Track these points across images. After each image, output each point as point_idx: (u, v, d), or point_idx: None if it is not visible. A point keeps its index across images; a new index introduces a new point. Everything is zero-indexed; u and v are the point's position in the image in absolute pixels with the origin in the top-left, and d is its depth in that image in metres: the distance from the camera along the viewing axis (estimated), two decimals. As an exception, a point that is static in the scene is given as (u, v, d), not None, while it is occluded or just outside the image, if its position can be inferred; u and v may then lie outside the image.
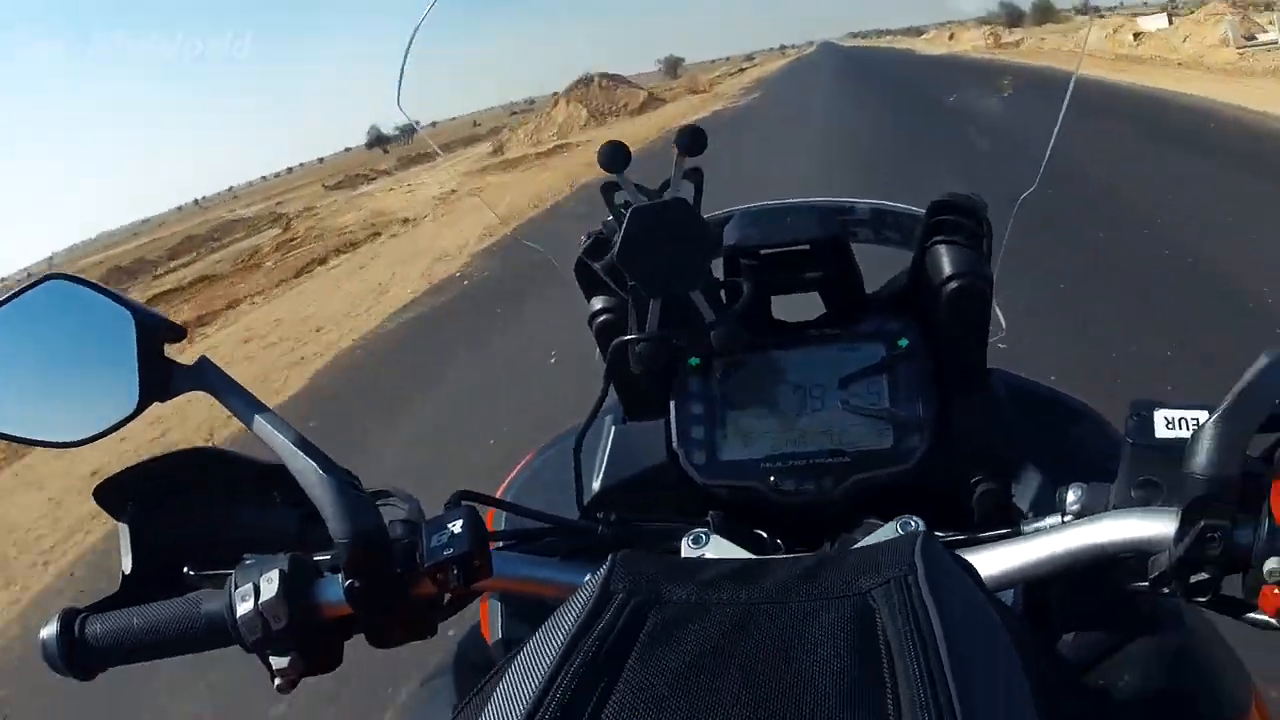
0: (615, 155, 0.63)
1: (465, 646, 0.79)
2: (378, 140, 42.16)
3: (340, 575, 0.56)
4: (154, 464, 0.65)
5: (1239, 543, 0.49)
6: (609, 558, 0.45)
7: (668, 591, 0.42)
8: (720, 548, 0.61)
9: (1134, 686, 0.64)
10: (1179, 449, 0.51)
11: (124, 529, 0.64)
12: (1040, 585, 0.68)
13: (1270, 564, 0.47)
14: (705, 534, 0.62)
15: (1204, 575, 0.50)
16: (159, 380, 0.60)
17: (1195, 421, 0.53)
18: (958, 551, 0.56)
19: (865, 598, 0.40)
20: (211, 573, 0.61)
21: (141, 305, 0.61)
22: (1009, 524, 0.62)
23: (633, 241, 0.64)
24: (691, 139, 0.63)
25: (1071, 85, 0.82)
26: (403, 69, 0.84)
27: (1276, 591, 0.47)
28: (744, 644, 0.38)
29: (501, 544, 0.67)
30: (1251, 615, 0.50)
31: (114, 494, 0.64)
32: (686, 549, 0.61)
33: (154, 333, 0.60)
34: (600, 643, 0.38)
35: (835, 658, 0.37)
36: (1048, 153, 0.81)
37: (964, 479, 0.72)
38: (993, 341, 0.75)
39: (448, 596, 0.60)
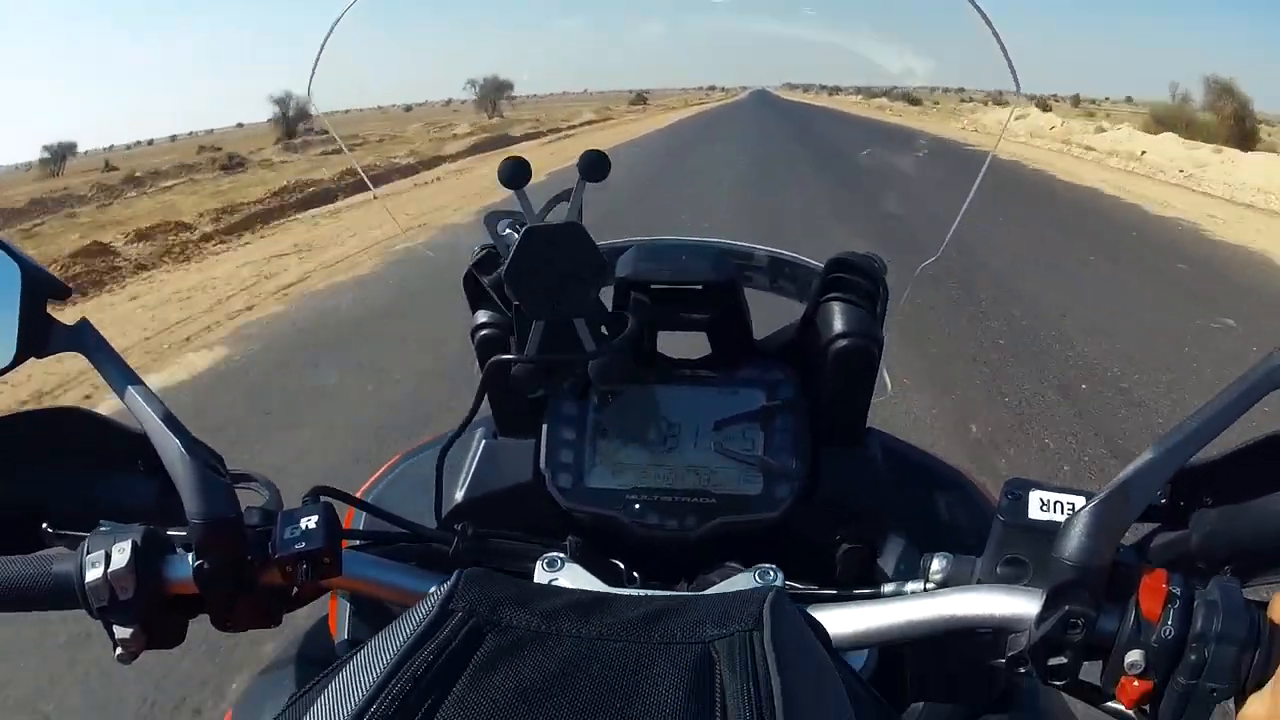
0: (516, 171, 0.61)
1: (310, 639, 0.79)
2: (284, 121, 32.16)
3: (191, 555, 0.56)
4: (21, 418, 0.65)
5: (1102, 631, 0.50)
6: (455, 574, 0.45)
7: (509, 616, 0.42)
8: (574, 574, 0.61)
9: None
10: (1050, 531, 0.52)
11: None
12: (896, 649, 0.69)
13: (1132, 656, 0.48)
14: (561, 559, 0.62)
15: (1062, 659, 0.51)
16: (38, 336, 0.59)
17: (1071, 506, 0.54)
18: (814, 606, 0.58)
19: (708, 648, 0.40)
20: (68, 533, 0.61)
21: (31, 259, 0.60)
22: (871, 584, 0.63)
23: (522, 261, 0.62)
24: (593, 164, 0.62)
25: (986, 164, 0.84)
26: (318, 58, 0.81)
27: (1135, 684, 0.48)
28: (579, 680, 0.38)
29: (357, 544, 0.67)
30: (1109, 704, 0.51)
31: None
32: (540, 571, 0.62)
33: (39, 287, 0.59)
34: (432, 659, 0.38)
35: (669, 705, 0.37)
36: (954, 225, 0.83)
37: (831, 534, 0.72)
38: (876, 401, 0.76)
39: (296, 589, 0.60)
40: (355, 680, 0.37)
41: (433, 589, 0.45)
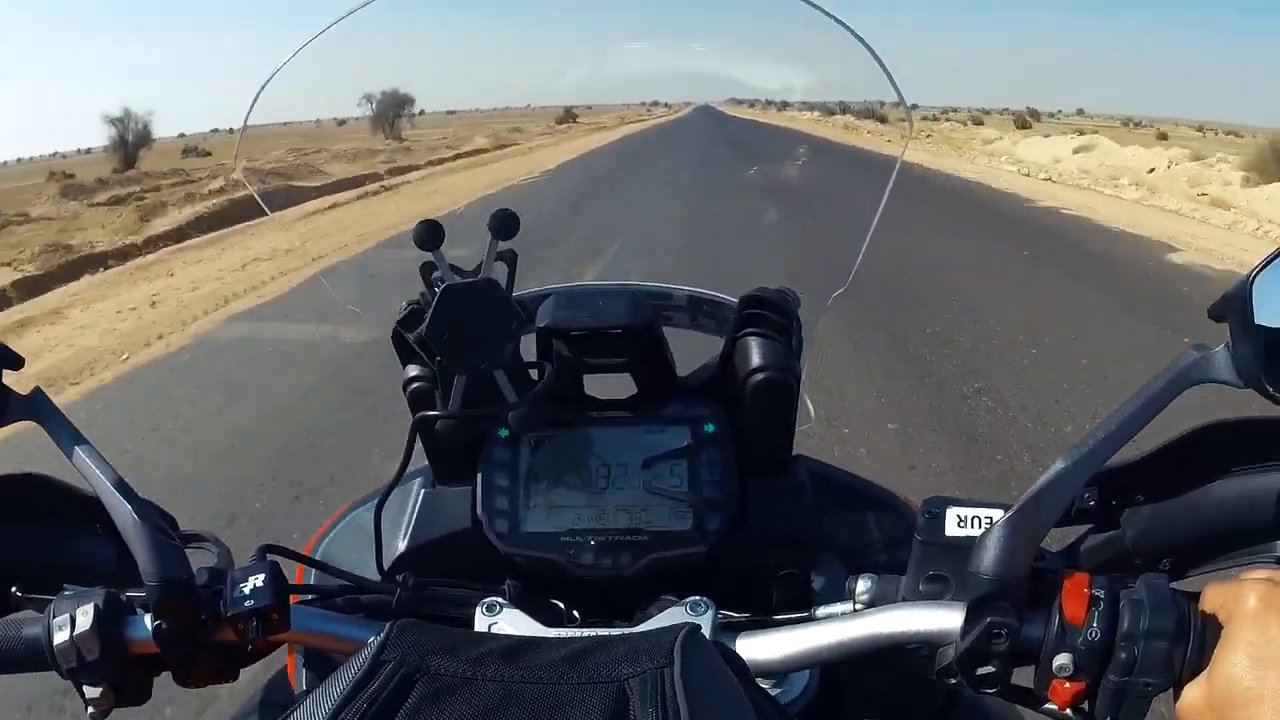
0: (430, 233, 0.63)
1: (271, 690, 0.81)
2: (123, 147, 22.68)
3: (149, 616, 0.59)
4: None
5: (1029, 638, 0.51)
6: (387, 626, 0.47)
7: (437, 664, 0.44)
8: (513, 618, 0.64)
9: None
10: (967, 547, 0.54)
11: None
12: (836, 670, 0.71)
13: (1059, 659, 0.50)
14: (500, 604, 0.65)
15: (990, 668, 0.52)
16: None
17: (987, 520, 0.55)
18: (747, 635, 0.60)
19: (623, 685, 0.42)
20: (37, 596, 0.64)
21: None
22: (805, 609, 0.65)
23: (441, 319, 0.65)
24: (503, 222, 0.64)
25: (892, 180, 0.84)
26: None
27: (1066, 685, 0.49)
28: None
29: (307, 598, 0.69)
30: (1046, 707, 0.52)
31: None
32: (480, 617, 0.64)
33: None
34: (366, 708, 0.40)
35: None
36: (860, 255, 0.84)
37: (763, 563, 0.74)
38: (801, 430, 0.78)
39: (249, 645, 0.62)
40: None
41: (371, 639, 0.47)
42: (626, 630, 0.62)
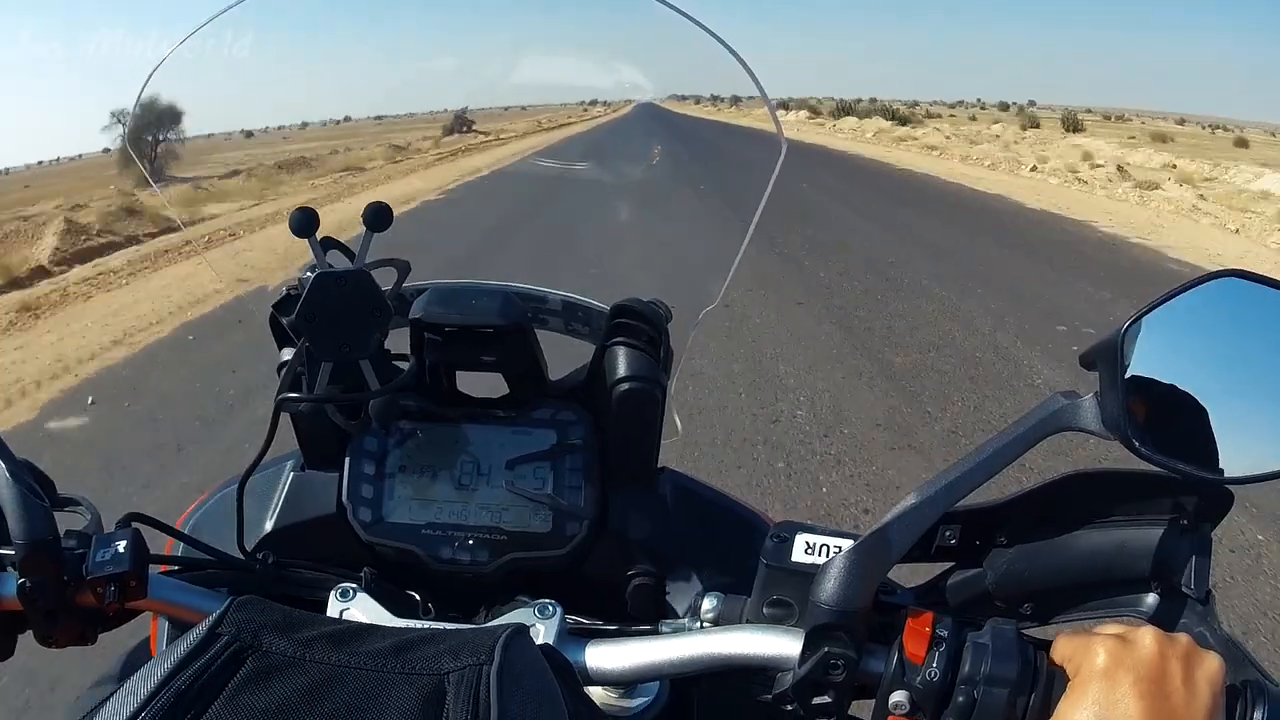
0: (305, 221, 0.64)
1: (133, 658, 0.83)
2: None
3: (16, 573, 0.60)
4: None
5: (869, 671, 0.51)
6: (227, 601, 0.48)
7: (269, 642, 0.46)
8: (365, 605, 0.65)
9: None
10: (812, 574, 0.53)
11: None
12: (687, 683, 0.72)
13: (895, 696, 0.50)
14: (354, 589, 0.66)
15: (826, 699, 0.52)
16: None
17: (835, 549, 0.55)
18: (595, 642, 0.61)
19: (442, 679, 0.44)
20: None
21: None
22: (657, 619, 0.66)
23: (311, 305, 0.65)
24: (376, 214, 0.65)
25: (775, 173, 0.81)
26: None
27: None
28: (322, 703, 0.42)
29: (168, 568, 0.70)
30: None
31: None
32: (334, 601, 0.66)
33: None
34: (194, 679, 0.42)
35: None
36: (731, 270, 0.84)
37: (619, 570, 0.75)
38: (667, 442, 0.79)
39: (107, 609, 0.63)
40: (126, 698, 0.41)
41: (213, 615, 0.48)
42: (461, 626, 0.63)
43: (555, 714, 0.45)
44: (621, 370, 0.74)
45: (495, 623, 0.63)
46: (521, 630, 0.49)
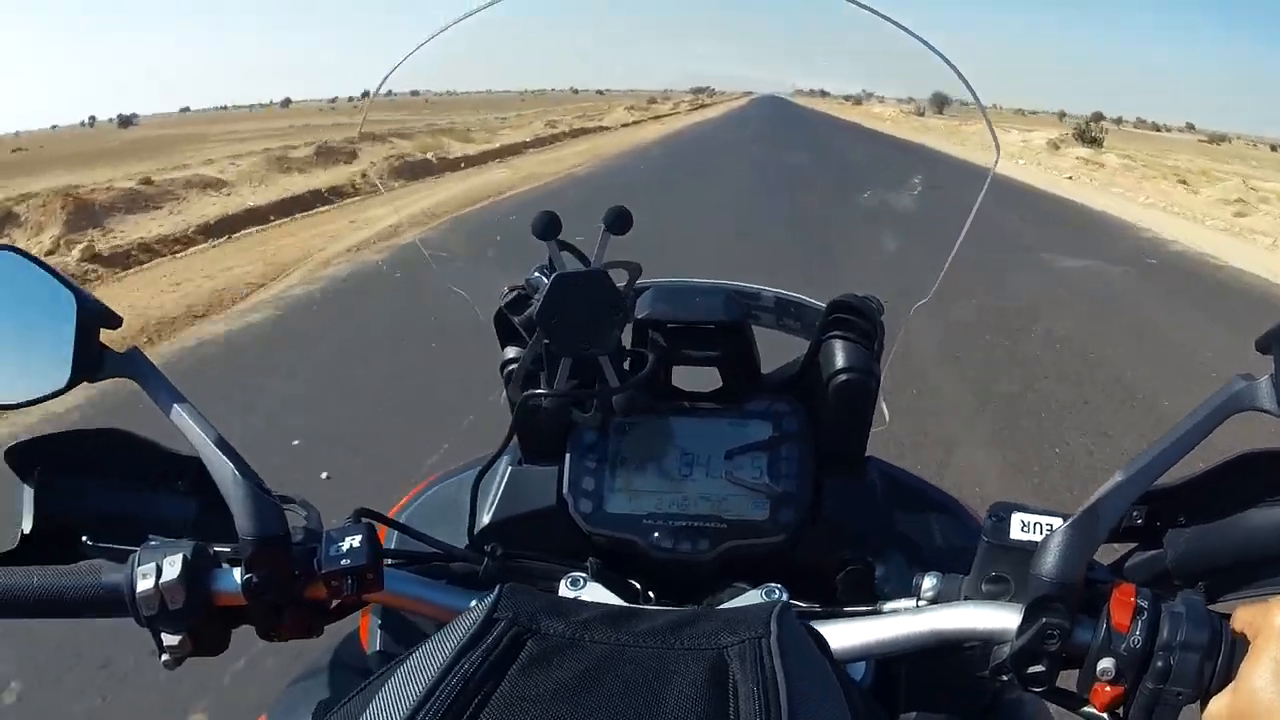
0: (547, 224, 0.67)
1: (341, 653, 0.83)
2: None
3: (239, 569, 0.61)
4: (69, 436, 0.70)
5: (1078, 641, 0.54)
6: (497, 588, 0.49)
7: (546, 625, 0.46)
8: (594, 593, 0.67)
9: None
10: (1029, 550, 0.56)
11: (29, 492, 0.68)
12: (891, 662, 0.73)
13: (1103, 663, 0.52)
14: (583, 578, 0.68)
15: (1040, 668, 0.55)
16: (91, 362, 0.64)
17: (1049, 527, 0.58)
18: (814, 622, 0.61)
19: (722, 653, 0.45)
20: (109, 546, 0.65)
21: (85, 291, 0.65)
22: (870, 602, 0.68)
23: (552, 304, 0.68)
24: (617, 219, 0.67)
25: (984, 188, 0.84)
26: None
27: (1106, 689, 0.52)
28: (610, 679, 0.43)
29: (392, 562, 0.71)
30: (1085, 710, 0.54)
31: (25, 457, 0.68)
32: (564, 589, 0.67)
33: (92, 317, 0.64)
34: (479, 663, 0.42)
35: (689, 700, 0.41)
36: (945, 266, 0.85)
37: (832, 557, 0.76)
38: (876, 431, 0.80)
39: (336, 602, 0.65)
40: (409, 681, 0.42)
41: (474, 602, 0.49)
42: (712, 608, 0.64)
43: (828, 682, 0.46)
44: (839, 362, 0.75)
45: (727, 606, 0.64)
46: (788, 606, 0.50)
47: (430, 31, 0.85)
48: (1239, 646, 0.51)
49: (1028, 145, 23.21)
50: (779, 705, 0.40)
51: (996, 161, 0.85)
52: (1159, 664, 0.51)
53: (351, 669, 0.81)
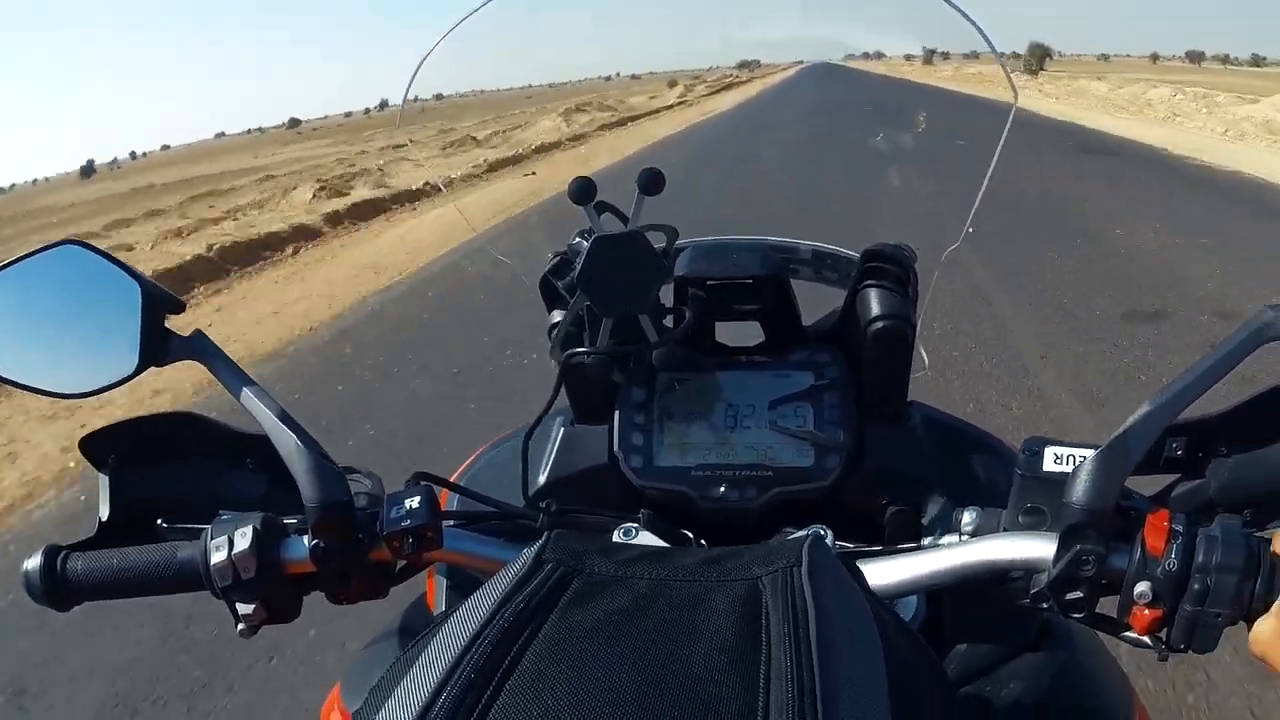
0: (583, 189, 0.68)
1: (410, 615, 0.86)
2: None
3: (307, 537, 0.63)
4: (139, 422, 0.72)
5: (1113, 567, 0.55)
6: (545, 534, 0.51)
7: (591, 564, 0.49)
8: (647, 541, 0.69)
9: (1017, 695, 0.72)
10: (1062, 481, 0.57)
11: (104, 479, 0.70)
12: (937, 598, 0.76)
13: (1140, 587, 0.53)
14: (635, 528, 0.71)
15: (1078, 594, 0.56)
16: (158, 347, 0.66)
17: (1081, 457, 0.58)
18: (861, 561, 0.63)
19: (756, 582, 0.47)
20: (183, 525, 0.68)
21: (148, 278, 0.67)
22: (914, 540, 0.70)
23: (592, 266, 0.70)
24: (650, 180, 0.68)
25: (1008, 126, 0.85)
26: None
27: (1145, 612, 0.53)
28: (650, 611, 0.45)
29: (452, 522, 0.73)
30: (1126, 634, 0.56)
31: (98, 446, 0.70)
32: (617, 539, 0.70)
33: (157, 303, 0.66)
34: (527, 602, 0.45)
35: (724, 624, 0.44)
36: (973, 208, 0.86)
37: (876, 499, 0.78)
38: (915, 376, 0.81)
39: (401, 563, 0.67)
40: (461, 623, 0.44)
41: (525, 549, 0.51)
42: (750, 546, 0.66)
43: (859, 607, 0.48)
44: (875, 310, 0.77)
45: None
46: (820, 538, 0.52)
47: (434, 36, 0.88)
48: (1279, 570, 0.51)
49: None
50: (808, 630, 0.42)
51: (1015, 102, 0.85)
52: (1196, 586, 0.51)
53: (418, 631, 0.83)
